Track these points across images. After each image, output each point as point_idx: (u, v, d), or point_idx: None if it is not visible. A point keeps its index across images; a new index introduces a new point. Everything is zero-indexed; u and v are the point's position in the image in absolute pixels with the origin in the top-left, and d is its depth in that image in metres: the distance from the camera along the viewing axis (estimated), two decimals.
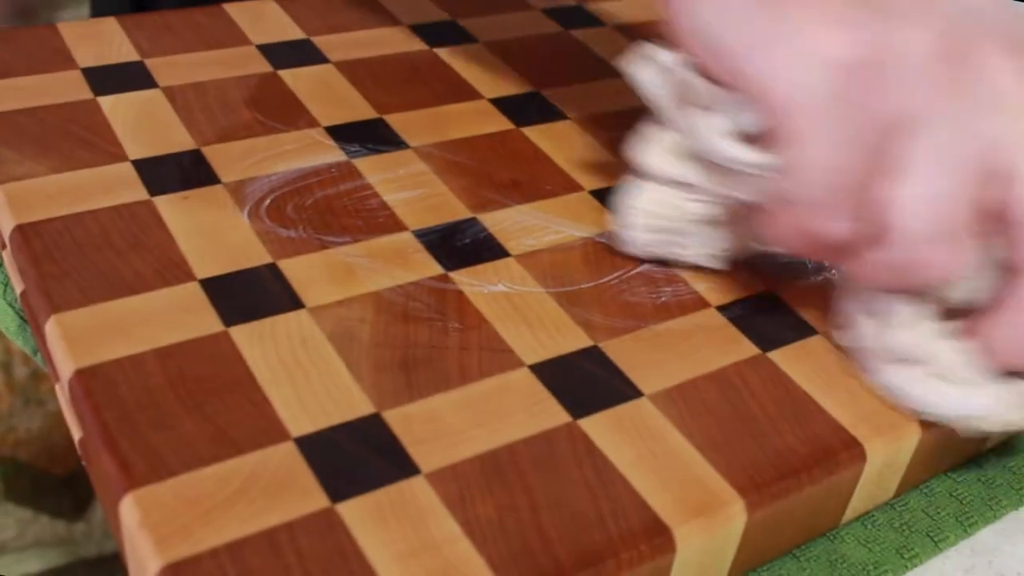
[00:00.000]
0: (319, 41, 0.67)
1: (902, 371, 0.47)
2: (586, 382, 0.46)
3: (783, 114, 0.43)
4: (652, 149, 0.51)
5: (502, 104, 0.64)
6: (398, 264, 0.50)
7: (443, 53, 0.68)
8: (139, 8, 1.05)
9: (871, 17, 0.43)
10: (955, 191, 0.42)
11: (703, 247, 0.52)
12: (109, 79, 0.60)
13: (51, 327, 0.45)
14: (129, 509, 0.38)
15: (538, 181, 0.58)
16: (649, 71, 0.51)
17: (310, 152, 0.57)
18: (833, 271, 0.53)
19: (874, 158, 0.42)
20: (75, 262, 0.47)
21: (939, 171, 0.42)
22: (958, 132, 0.42)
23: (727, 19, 0.45)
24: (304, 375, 0.44)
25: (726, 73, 0.45)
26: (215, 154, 0.55)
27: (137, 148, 0.55)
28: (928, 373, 0.46)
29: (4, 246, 0.51)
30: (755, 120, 0.46)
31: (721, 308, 0.51)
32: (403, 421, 0.43)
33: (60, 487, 1.62)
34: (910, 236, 0.42)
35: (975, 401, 0.45)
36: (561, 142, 0.61)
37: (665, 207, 0.51)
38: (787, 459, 0.44)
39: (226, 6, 0.69)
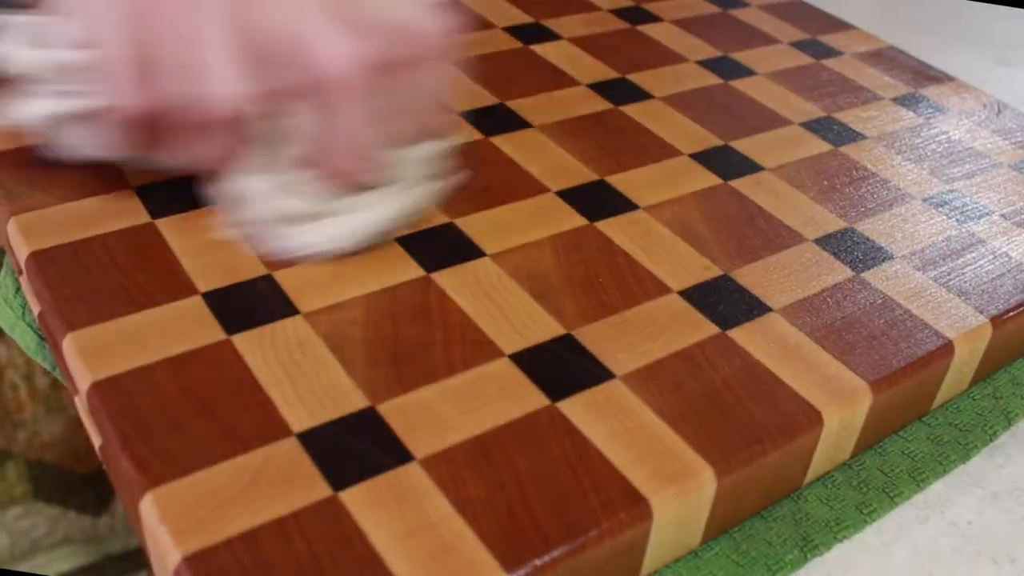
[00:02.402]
0: None
1: (259, 226, 0.47)
2: (562, 367, 0.46)
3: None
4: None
5: (471, 116, 0.64)
6: (384, 269, 0.50)
7: None
8: None
9: None
10: (219, 31, 0.43)
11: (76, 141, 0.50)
12: None
13: (68, 344, 0.45)
14: (149, 507, 0.38)
15: (508, 186, 0.58)
16: None
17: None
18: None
19: (143, 33, 0.43)
20: (87, 283, 0.47)
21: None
22: None
23: None
24: (302, 375, 0.44)
25: None
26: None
27: (138, 177, 0.55)
28: (277, 221, 0.47)
29: (21, 272, 0.51)
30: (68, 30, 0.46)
31: (682, 292, 0.51)
32: (396, 412, 0.43)
33: (84, 484, 1.62)
34: (210, 92, 0.43)
35: (314, 236, 0.47)
36: (527, 148, 0.61)
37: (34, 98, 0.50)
38: (751, 428, 0.44)
39: None
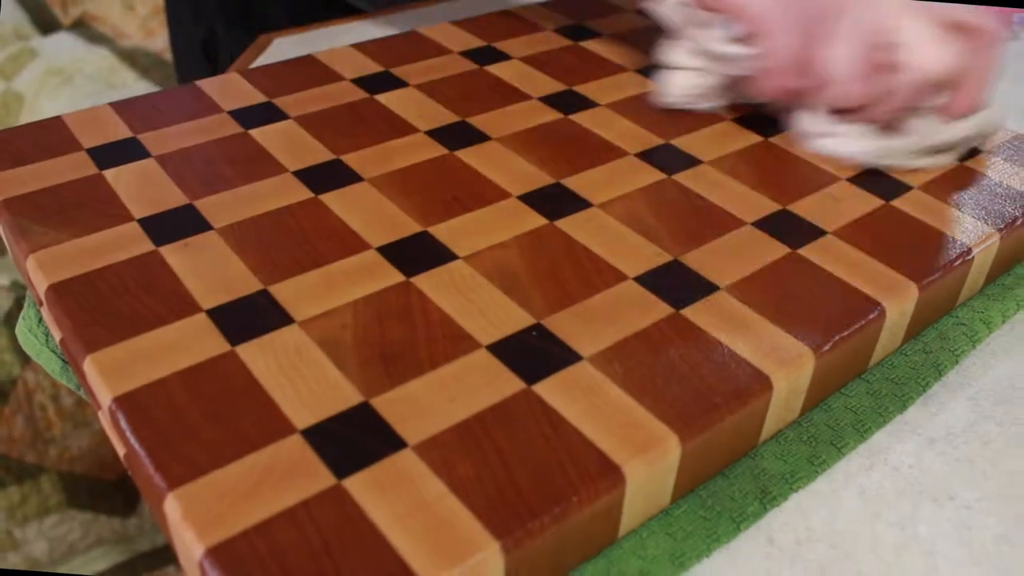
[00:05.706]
0: (279, 102, 0.67)
1: (829, 139, 0.65)
2: (534, 354, 0.46)
3: (755, 21, 0.62)
4: (675, 50, 0.69)
5: (436, 134, 0.64)
6: (367, 276, 0.50)
7: (382, 98, 0.68)
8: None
9: None
10: (861, 50, 0.60)
11: (715, 100, 0.69)
12: (110, 155, 0.59)
13: (88, 365, 0.44)
14: (172, 507, 0.38)
15: (474, 194, 0.58)
16: (663, 6, 0.70)
17: (284, 194, 0.57)
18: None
19: (812, 38, 0.61)
20: (102, 309, 0.47)
21: (851, 40, 0.60)
22: (861, 17, 0.60)
23: None
24: (301, 378, 0.44)
25: (717, 4, 0.64)
26: (205, 206, 0.55)
27: (140, 209, 0.54)
28: (844, 137, 0.64)
29: (41, 303, 0.51)
30: (737, 29, 0.64)
31: (637, 278, 0.51)
32: (388, 405, 0.43)
33: (112, 490, 1.62)
34: (837, 80, 0.61)
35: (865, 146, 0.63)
36: (489, 159, 0.61)
37: (688, 78, 0.68)
38: (708, 396, 0.44)
39: (199, 83, 0.68)
